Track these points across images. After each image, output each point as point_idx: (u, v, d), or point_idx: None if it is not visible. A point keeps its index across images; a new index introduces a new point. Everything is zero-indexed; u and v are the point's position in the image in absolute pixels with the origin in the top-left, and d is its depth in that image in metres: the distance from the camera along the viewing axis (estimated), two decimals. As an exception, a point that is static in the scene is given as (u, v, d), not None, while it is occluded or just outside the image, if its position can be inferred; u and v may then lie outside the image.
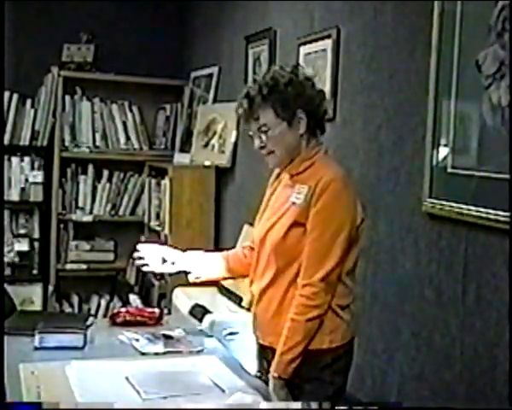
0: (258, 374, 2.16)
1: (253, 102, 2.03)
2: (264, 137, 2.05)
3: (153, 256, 2.36)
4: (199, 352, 2.33)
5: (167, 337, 2.42)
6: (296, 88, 2.06)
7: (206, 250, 2.43)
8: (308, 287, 1.98)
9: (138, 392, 1.92)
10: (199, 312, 3.19)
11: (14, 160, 4.61)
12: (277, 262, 2.06)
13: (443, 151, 2.30)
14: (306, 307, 1.98)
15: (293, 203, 2.05)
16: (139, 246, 2.39)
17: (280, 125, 2.04)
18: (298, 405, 1.95)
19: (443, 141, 2.30)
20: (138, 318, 2.63)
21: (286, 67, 2.12)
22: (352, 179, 2.79)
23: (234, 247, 2.59)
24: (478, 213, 2.10)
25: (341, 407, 2.00)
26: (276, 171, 2.23)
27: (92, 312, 4.83)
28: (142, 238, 4.92)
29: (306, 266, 2.00)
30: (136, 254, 2.39)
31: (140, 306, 3.97)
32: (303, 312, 1.98)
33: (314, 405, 1.85)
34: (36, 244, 4.69)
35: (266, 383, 2.04)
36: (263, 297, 2.11)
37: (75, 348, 2.27)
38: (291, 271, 2.04)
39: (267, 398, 1.96)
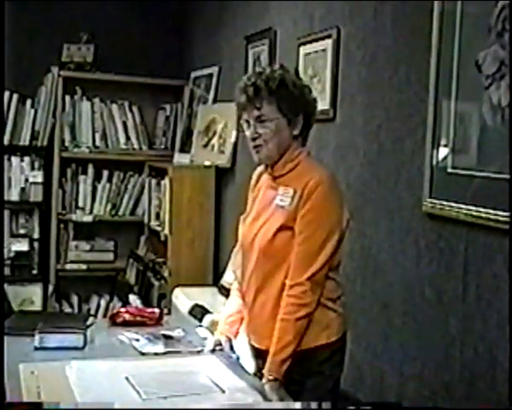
0: (258, 374, 2.16)
1: (259, 92, 2.03)
2: (259, 127, 2.05)
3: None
4: (199, 352, 2.32)
5: (167, 337, 2.41)
6: (301, 90, 2.09)
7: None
8: (296, 287, 2.00)
9: (138, 392, 1.92)
10: (199, 312, 3.19)
11: (14, 160, 4.61)
12: (266, 265, 2.07)
13: (443, 151, 2.30)
14: (295, 306, 2.00)
15: (279, 206, 2.06)
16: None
17: (279, 119, 2.05)
18: (298, 405, 1.94)
19: (443, 141, 2.29)
20: (138, 318, 2.62)
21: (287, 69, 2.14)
22: (349, 180, 2.81)
23: (234, 247, 2.59)
24: (478, 213, 2.10)
25: (337, 408, 2.01)
26: (256, 174, 2.25)
27: (92, 312, 4.83)
28: (142, 238, 4.93)
29: (294, 268, 2.01)
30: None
31: (140, 306, 3.96)
32: (292, 311, 2.00)
33: (313, 405, 1.85)
34: (36, 244, 4.69)
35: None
36: (255, 302, 2.12)
37: (75, 348, 2.27)
38: (281, 274, 2.05)
39: (267, 398, 1.96)
